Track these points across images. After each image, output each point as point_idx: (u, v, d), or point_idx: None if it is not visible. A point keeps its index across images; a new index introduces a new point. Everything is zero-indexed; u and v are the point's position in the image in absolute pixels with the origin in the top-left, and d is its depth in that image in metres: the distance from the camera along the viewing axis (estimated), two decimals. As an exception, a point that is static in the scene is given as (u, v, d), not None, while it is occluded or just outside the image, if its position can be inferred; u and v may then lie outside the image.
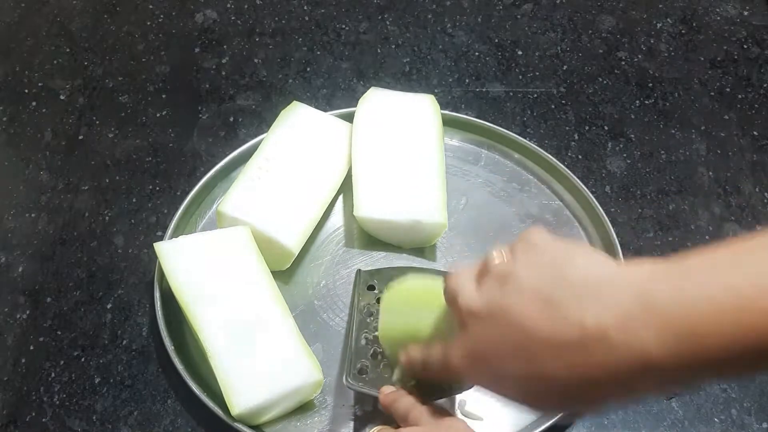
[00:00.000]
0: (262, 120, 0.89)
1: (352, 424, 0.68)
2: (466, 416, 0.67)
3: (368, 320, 0.68)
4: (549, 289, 0.44)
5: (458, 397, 0.67)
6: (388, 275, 0.70)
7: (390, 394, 0.60)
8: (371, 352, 0.66)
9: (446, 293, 0.52)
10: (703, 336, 0.40)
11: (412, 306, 0.61)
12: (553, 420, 0.66)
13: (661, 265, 0.44)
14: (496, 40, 0.98)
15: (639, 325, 0.41)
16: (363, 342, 0.67)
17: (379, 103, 0.83)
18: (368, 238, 0.79)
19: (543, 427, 0.65)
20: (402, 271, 0.70)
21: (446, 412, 0.57)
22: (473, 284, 0.50)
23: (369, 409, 0.68)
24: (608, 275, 0.44)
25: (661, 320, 0.41)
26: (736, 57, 0.97)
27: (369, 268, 0.73)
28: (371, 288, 0.70)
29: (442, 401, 0.64)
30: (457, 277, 0.51)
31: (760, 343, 0.40)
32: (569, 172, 0.82)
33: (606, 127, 0.90)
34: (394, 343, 0.62)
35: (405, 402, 0.58)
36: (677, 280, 0.42)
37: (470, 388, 0.64)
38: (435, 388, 0.61)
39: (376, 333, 0.67)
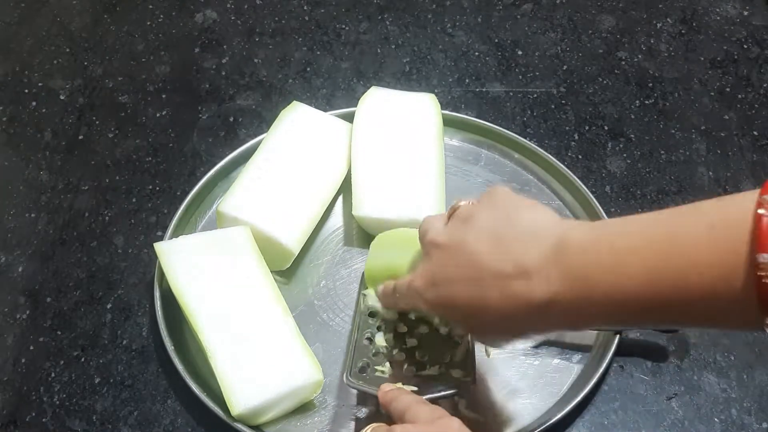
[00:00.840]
0: (262, 120, 0.89)
1: (352, 424, 0.68)
2: (466, 417, 0.67)
3: (371, 321, 0.68)
4: (499, 230, 0.52)
5: (458, 398, 0.67)
6: None
7: (389, 392, 0.60)
8: (373, 351, 0.66)
9: (419, 231, 0.60)
10: (592, 282, 0.47)
11: (394, 248, 0.68)
12: (553, 420, 0.66)
13: (587, 221, 0.50)
14: (496, 40, 0.98)
15: (551, 266, 0.49)
16: (365, 342, 0.67)
17: (380, 103, 0.83)
18: (368, 237, 0.78)
19: (543, 427, 0.66)
20: None
21: (443, 412, 0.57)
22: (441, 223, 0.58)
23: (370, 410, 0.68)
24: (545, 223, 0.51)
25: (565, 264, 0.48)
26: (736, 57, 0.97)
27: None
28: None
29: (442, 402, 0.64)
30: (430, 218, 0.60)
31: (637, 297, 0.45)
32: (569, 172, 0.82)
33: (606, 127, 0.90)
34: (377, 278, 0.67)
35: (403, 400, 0.58)
36: (589, 231, 0.49)
37: (472, 384, 0.64)
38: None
39: (378, 333, 0.67)
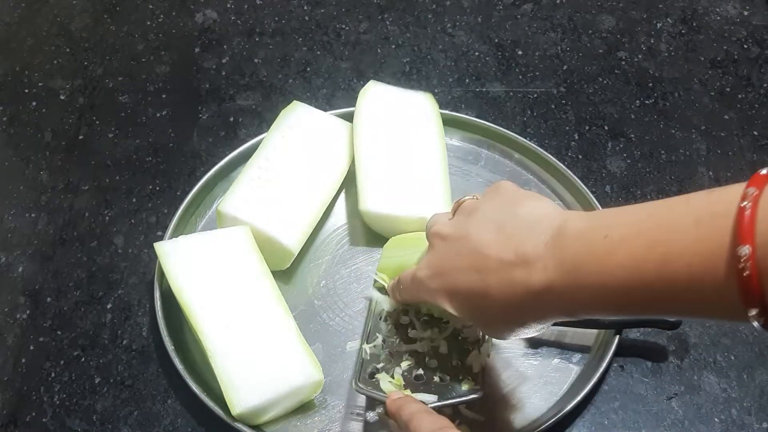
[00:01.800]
0: (262, 120, 0.89)
1: (352, 424, 0.68)
2: (465, 417, 0.67)
3: (381, 326, 0.68)
4: (502, 221, 0.54)
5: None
6: None
7: (397, 399, 0.60)
8: (383, 356, 0.66)
9: (426, 226, 0.62)
10: (584, 270, 0.48)
11: (405, 247, 0.70)
12: (553, 420, 0.66)
13: (585, 211, 0.52)
14: (496, 40, 0.98)
15: (548, 254, 0.50)
16: (375, 347, 0.67)
17: (380, 98, 0.83)
18: (369, 236, 0.78)
19: (543, 427, 0.66)
20: None
21: (447, 422, 0.56)
22: (446, 217, 0.60)
23: (379, 414, 0.68)
24: (546, 213, 0.53)
25: (561, 252, 0.49)
26: (736, 57, 0.97)
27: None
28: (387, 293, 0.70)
29: (446, 409, 0.64)
30: (436, 214, 0.63)
31: (624, 286, 0.46)
32: (569, 172, 0.82)
33: (606, 127, 0.90)
34: (389, 276, 0.70)
35: (409, 410, 0.58)
36: (586, 221, 0.50)
37: (478, 396, 0.64)
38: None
39: (389, 338, 0.67)
